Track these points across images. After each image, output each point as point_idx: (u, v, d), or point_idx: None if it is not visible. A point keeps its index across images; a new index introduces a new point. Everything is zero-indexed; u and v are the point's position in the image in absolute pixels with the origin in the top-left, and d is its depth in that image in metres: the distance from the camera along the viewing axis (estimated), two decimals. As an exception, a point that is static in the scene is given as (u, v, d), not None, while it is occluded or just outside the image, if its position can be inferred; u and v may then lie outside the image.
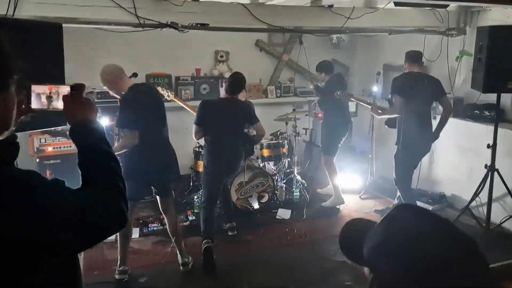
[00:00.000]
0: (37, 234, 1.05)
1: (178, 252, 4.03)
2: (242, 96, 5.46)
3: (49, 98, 1.38)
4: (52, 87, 1.39)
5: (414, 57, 4.66)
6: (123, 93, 3.64)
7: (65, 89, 1.38)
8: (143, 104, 3.60)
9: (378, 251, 0.89)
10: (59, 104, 1.38)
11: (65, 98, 1.37)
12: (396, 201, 5.39)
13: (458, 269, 0.81)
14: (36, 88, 1.37)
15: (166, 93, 5.13)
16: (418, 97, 4.48)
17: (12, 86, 1.14)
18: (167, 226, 4.08)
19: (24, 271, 1.07)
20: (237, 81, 4.14)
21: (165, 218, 4.08)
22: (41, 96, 1.38)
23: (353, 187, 5.89)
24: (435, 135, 4.69)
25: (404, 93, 4.50)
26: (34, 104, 1.37)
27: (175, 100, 5.20)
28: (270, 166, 5.69)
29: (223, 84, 4.20)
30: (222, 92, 4.17)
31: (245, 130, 4.47)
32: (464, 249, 0.85)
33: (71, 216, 1.12)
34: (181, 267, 3.97)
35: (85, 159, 1.31)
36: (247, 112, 4.19)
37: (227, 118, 4.02)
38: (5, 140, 1.14)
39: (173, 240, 3.99)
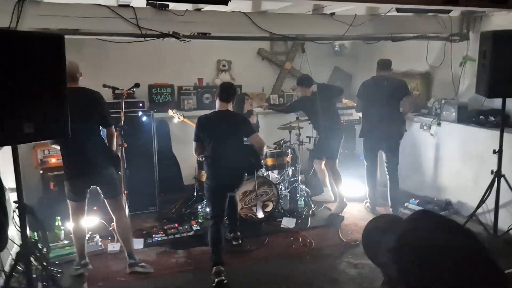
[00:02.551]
0: None
1: (126, 254, 4.04)
2: (248, 104, 5.46)
3: None
4: None
5: (384, 65, 5.27)
6: None
7: None
8: None
9: (390, 256, 0.90)
10: None
11: None
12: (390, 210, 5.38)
13: (470, 284, 0.80)
14: None
15: (176, 115, 5.43)
16: (376, 97, 5.16)
17: None
18: (116, 228, 4.10)
19: None
20: (227, 88, 4.17)
21: (114, 220, 4.07)
22: None
23: (357, 195, 5.84)
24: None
25: (364, 95, 5.34)
26: None
27: (185, 121, 5.38)
28: (274, 175, 5.66)
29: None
30: (217, 104, 4.13)
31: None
32: (479, 265, 0.83)
33: None
34: (127, 268, 3.99)
35: None
36: (239, 124, 4.09)
37: (221, 131, 3.97)
38: None
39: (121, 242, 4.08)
